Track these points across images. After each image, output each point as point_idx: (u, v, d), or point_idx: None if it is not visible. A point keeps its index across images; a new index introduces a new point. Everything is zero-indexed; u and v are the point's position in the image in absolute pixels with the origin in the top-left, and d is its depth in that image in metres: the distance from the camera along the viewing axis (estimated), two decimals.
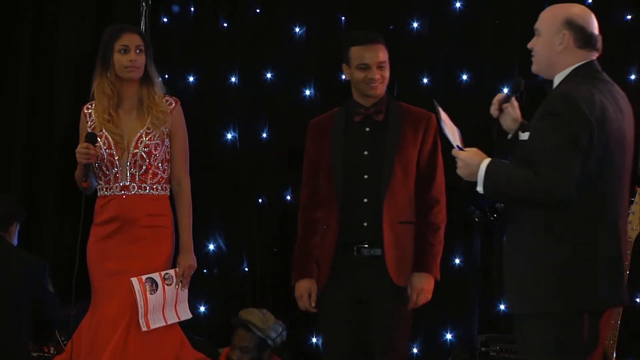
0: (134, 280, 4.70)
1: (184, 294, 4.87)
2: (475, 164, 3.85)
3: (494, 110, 4.11)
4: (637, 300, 6.05)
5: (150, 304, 4.71)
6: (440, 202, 4.82)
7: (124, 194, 4.80)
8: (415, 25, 6.58)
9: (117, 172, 4.81)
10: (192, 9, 7.05)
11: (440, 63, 6.52)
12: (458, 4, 6.53)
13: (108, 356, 4.63)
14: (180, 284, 4.83)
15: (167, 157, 4.87)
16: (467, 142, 4.03)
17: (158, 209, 4.83)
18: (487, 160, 3.84)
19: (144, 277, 4.73)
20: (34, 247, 6.38)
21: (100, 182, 4.85)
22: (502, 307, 6.21)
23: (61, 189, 6.89)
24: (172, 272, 4.82)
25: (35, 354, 5.86)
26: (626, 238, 3.99)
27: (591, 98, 3.81)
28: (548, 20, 3.97)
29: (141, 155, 4.80)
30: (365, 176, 4.78)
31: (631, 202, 5.28)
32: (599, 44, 3.99)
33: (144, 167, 4.82)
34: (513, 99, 4.11)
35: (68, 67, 7.04)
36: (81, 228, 4.73)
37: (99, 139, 4.79)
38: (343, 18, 6.76)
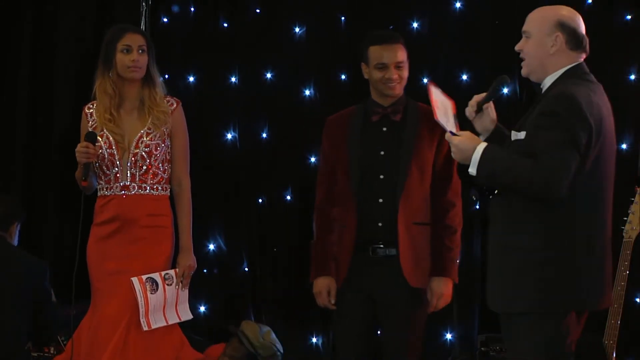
0: (135, 280, 4.70)
1: (185, 294, 4.87)
2: (470, 148, 3.87)
3: (471, 112, 4.09)
4: (637, 300, 6.05)
5: (151, 304, 4.71)
6: (457, 205, 4.78)
7: (124, 194, 4.81)
8: (415, 25, 6.59)
9: (117, 172, 4.81)
10: (192, 9, 7.05)
11: (440, 63, 6.52)
12: (458, 4, 6.54)
13: (108, 356, 4.63)
14: (180, 284, 4.83)
15: (168, 157, 4.87)
16: None
17: (158, 209, 4.84)
18: (483, 144, 3.87)
19: (144, 277, 4.73)
20: (34, 247, 6.38)
21: (101, 182, 4.85)
22: None
23: (61, 189, 6.89)
24: (172, 272, 4.83)
25: (35, 354, 5.86)
26: (610, 239, 4.01)
27: (590, 99, 3.85)
28: (538, 22, 3.98)
29: (142, 155, 4.81)
30: (381, 176, 4.76)
31: (631, 202, 5.30)
32: (588, 46, 4.04)
33: (145, 167, 4.82)
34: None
35: (68, 67, 7.04)
36: (81, 228, 4.73)
37: (99, 139, 4.79)
38: (343, 18, 6.77)
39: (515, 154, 3.83)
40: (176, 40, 7.02)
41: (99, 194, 4.87)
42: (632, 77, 6.17)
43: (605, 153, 3.90)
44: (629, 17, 6.21)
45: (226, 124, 6.92)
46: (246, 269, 6.88)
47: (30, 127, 7.06)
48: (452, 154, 3.97)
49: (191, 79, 7.00)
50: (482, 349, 5.92)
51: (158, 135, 4.83)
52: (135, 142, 4.81)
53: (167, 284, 4.79)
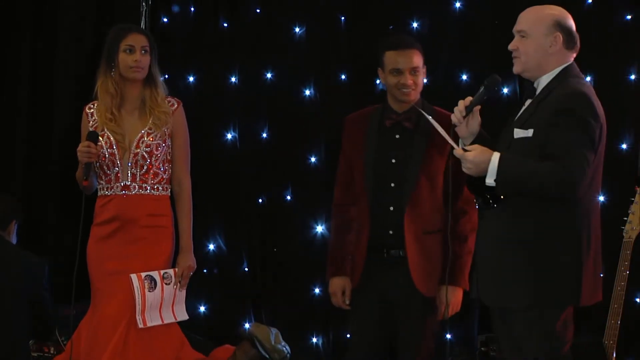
0: (133, 276, 4.71)
1: (182, 295, 4.88)
2: (485, 160, 3.88)
3: (459, 117, 4.07)
4: (637, 300, 6.05)
5: (148, 302, 4.72)
6: (468, 213, 4.74)
7: (124, 193, 4.81)
8: (415, 25, 6.58)
9: (118, 172, 4.81)
10: (192, 9, 7.05)
11: (440, 63, 6.52)
12: (458, 4, 6.54)
13: (108, 356, 4.63)
14: (178, 284, 4.83)
15: (168, 157, 4.88)
16: None
17: (158, 209, 4.84)
18: (496, 154, 3.88)
19: (143, 274, 4.73)
20: (34, 247, 6.38)
21: (101, 181, 4.85)
22: None
23: (61, 188, 6.89)
24: (171, 271, 4.83)
25: (35, 354, 5.86)
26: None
27: (595, 97, 3.91)
28: (535, 22, 4.03)
29: (142, 155, 4.81)
30: (392, 184, 4.75)
31: (631, 202, 5.30)
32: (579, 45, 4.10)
33: (145, 167, 4.82)
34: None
35: (68, 67, 7.04)
36: (81, 228, 4.73)
37: (100, 138, 4.79)
38: (343, 18, 6.76)
39: (530, 158, 3.84)
40: (176, 40, 7.01)
41: (99, 193, 4.88)
42: (632, 77, 6.16)
43: (601, 150, 3.99)
44: (629, 17, 6.20)
45: (226, 124, 6.92)
46: (246, 269, 6.88)
47: (30, 127, 7.06)
48: (465, 169, 3.94)
49: (191, 79, 6.99)
50: (482, 349, 5.92)
51: (159, 135, 4.83)
52: (136, 142, 4.81)
53: (166, 283, 4.79)
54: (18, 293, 5.39)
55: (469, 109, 4.03)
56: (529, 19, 4.05)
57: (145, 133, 4.82)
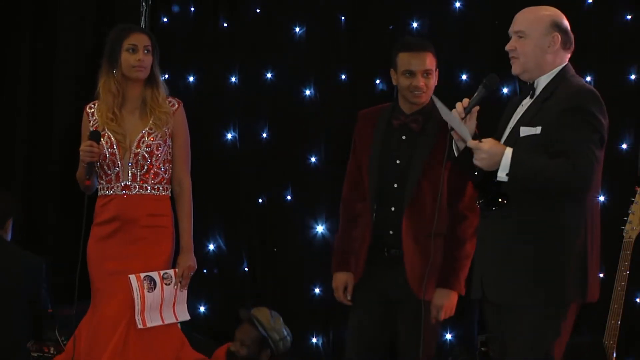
0: (132, 277, 4.70)
1: (183, 295, 4.87)
2: (499, 153, 3.88)
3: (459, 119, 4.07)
4: (637, 300, 6.05)
5: (147, 302, 4.72)
6: (469, 218, 4.71)
7: (125, 193, 4.80)
8: (415, 25, 6.58)
9: (118, 172, 4.81)
10: (192, 9, 7.05)
11: (440, 63, 6.51)
12: (458, 4, 6.54)
13: (108, 356, 4.63)
14: (179, 284, 4.83)
15: (169, 157, 4.87)
16: None
17: (159, 209, 4.84)
18: (509, 148, 3.88)
19: (142, 275, 4.73)
20: (34, 247, 6.38)
21: (102, 181, 4.85)
22: None
23: (61, 188, 6.89)
24: (171, 272, 4.83)
25: (35, 354, 5.86)
26: None
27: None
28: (533, 22, 4.05)
29: (143, 155, 4.81)
30: (395, 185, 4.75)
31: (631, 202, 5.30)
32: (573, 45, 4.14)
33: (146, 167, 4.82)
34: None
35: (68, 66, 7.04)
36: (84, 228, 4.73)
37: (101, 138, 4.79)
38: (343, 18, 6.76)
39: (541, 154, 3.85)
40: (176, 40, 7.02)
41: (99, 193, 4.87)
42: (632, 77, 6.16)
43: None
44: (629, 17, 6.20)
45: (226, 124, 6.92)
46: (246, 269, 6.88)
47: (30, 127, 7.06)
48: (478, 160, 3.91)
49: (191, 79, 7.00)
50: (482, 349, 5.91)
51: (159, 135, 4.83)
52: (137, 142, 4.81)
53: (166, 284, 4.79)
54: (18, 293, 5.40)
55: (467, 110, 4.02)
56: (526, 19, 4.06)
57: (146, 133, 4.82)
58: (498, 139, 4.09)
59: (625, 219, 5.27)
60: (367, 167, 4.81)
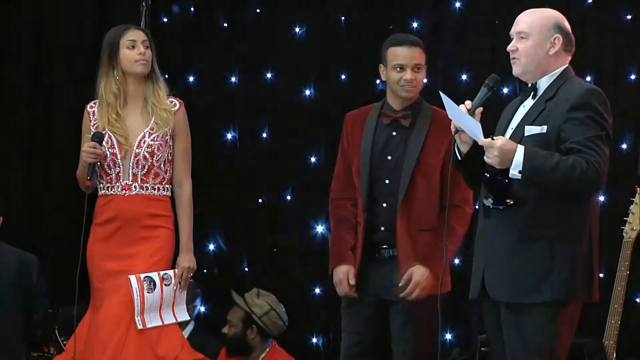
0: (132, 277, 4.70)
1: (182, 295, 4.87)
2: (511, 150, 3.87)
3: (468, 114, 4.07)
4: (637, 300, 6.05)
5: (147, 303, 4.71)
6: (461, 208, 4.73)
7: (125, 193, 4.80)
8: (415, 25, 6.58)
9: (119, 172, 4.81)
10: (192, 9, 7.05)
11: (440, 63, 6.52)
12: (458, 4, 6.54)
13: (109, 356, 4.63)
14: (179, 285, 4.83)
15: (170, 157, 4.87)
16: None
17: (159, 209, 4.83)
18: (521, 146, 3.88)
19: (142, 276, 4.73)
20: (35, 246, 6.38)
21: (102, 181, 4.84)
22: None
23: (61, 188, 6.88)
24: (171, 272, 4.82)
25: (35, 354, 5.86)
26: None
27: None
28: (536, 24, 4.06)
29: (144, 155, 4.80)
30: (387, 181, 4.77)
31: (631, 202, 5.30)
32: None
33: (147, 167, 4.81)
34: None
35: (68, 66, 7.03)
36: (84, 227, 4.73)
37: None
38: (343, 18, 6.76)
39: (552, 153, 3.87)
40: (176, 40, 7.01)
41: (99, 193, 4.87)
42: (632, 77, 6.17)
43: None
44: (629, 17, 6.21)
45: (226, 124, 6.92)
46: (246, 269, 6.88)
47: (30, 126, 7.05)
48: (490, 158, 3.89)
49: (191, 79, 6.99)
50: (482, 349, 5.91)
51: (161, 135, 4.82)
52: (138, 142, 4.81)
53: (165, 284, 4.79)
54: (12, 290, 5.39)
55: (471, 112, 4.02)
56: (528, 21, 4.07)
57: (147, 133, 4.82)
58: None
59: (625, 219, 5.28)
60: (358, 166, 4.82)
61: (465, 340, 6.37)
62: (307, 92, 6.78)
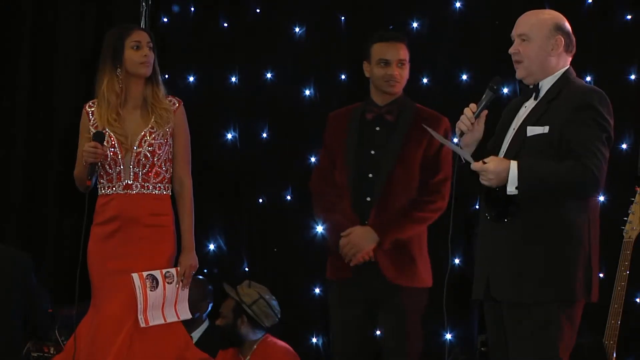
0: (135, 275, 4.71)
1: (185, 293, 4.87)
2: (504, 169, 3.88)
3: (468, 124, 4.04)
4: (637, 300, 6.05)
5: (150, 301, 4.72)
6: (434, 197, 4.79)
7: (126, 192, 4.80)
8: (415, 25, 6.58)
9: (120, 171, 4.81)
10: (192, 9, 7.05)
11: (440, 63, 6.52)
12: (458, 4, 6.54)
13: (114, 356, 4.62)
14: (181, 283, 4.83)
15: (170, 157, 4.88)
16: None
17: (160, 208, 4.83)
18: (514, 162, 3.88)
19: (145, 274, 4.73)
20: (34, 246, 6.38)
21: (102, 180, 4.84)
22: None
23: (61, 188, 6.89)
24: (173, 270, 4.83)
25: (35, 354, 5.86)
26: None
27: None
28: (537, 25, 4.07)
29: (145, 155, 4.80)
30: (370, 175, 4.83)
31: (631, 202, 5.30)
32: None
33: (148, 166, 4.81)
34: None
35: (68, 66, 7.04)
36: (84, 227, 4.73)
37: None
38: (343, 18, 6.77)
39: (547, 160, 3.86)
40: (176, 40, 7.01)
41: (99, 192, 4.87)
42: (632, 77, 6.17)
43: None
44: (629, 17, 6.21)
45: (226, 124, 6.92)
46: (246, 269, 6.88)
47: (30, 126, 7.06)
48: (486, 181, 3.90)
49: (191, 79, 7.00)
50: (482, 349, 5.92)
51: (161, 134, 4.83)
52: (139, 141, 4.81)
53: (168, 282, 4.79)
54: (10, 291, 5.38)
55: (476, 115, 4.02)
56: (529, 23, 4.07)
57: (148, 132, 4.82)
58: (498, 141, 4.09)
59: (625, 219, 5.27)
60: (343, 162, 4.86)
61: (465, 340, 6.37)
62: (307, 92, 6.78)
